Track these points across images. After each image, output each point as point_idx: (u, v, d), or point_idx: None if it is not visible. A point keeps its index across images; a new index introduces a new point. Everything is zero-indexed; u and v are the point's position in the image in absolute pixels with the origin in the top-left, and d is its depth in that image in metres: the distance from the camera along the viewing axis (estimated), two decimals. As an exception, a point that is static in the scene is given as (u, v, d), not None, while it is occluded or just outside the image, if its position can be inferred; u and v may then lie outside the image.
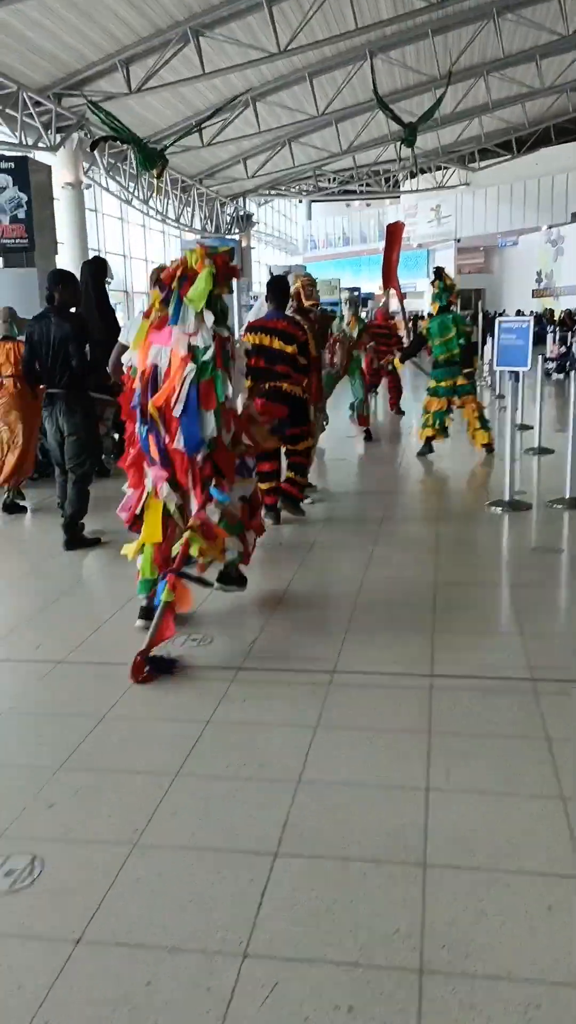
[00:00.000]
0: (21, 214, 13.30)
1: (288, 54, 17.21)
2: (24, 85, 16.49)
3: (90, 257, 9.86)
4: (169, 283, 3.78)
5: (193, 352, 3.69)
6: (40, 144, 17.40)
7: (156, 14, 15.69)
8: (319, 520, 6.30)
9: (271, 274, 10.42)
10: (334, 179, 32.35)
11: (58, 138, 17.65)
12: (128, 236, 25.60)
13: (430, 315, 8.28)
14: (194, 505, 3.89)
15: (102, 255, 23.16)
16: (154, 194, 17.81)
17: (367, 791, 2.68)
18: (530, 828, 2.46)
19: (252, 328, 5.95)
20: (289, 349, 5.79)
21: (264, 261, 34.65)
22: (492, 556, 5.52)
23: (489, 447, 8.55)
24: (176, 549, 3.76)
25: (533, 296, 35.17)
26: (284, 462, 6.23)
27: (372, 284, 27.73)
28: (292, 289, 6.41)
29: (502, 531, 5.96)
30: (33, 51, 15.68)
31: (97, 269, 8.10)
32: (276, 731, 3.11)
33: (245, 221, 32.11)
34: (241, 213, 31.78)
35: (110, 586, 5.05)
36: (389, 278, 12.73)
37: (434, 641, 3.90)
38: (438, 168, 34.17)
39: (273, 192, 32.59)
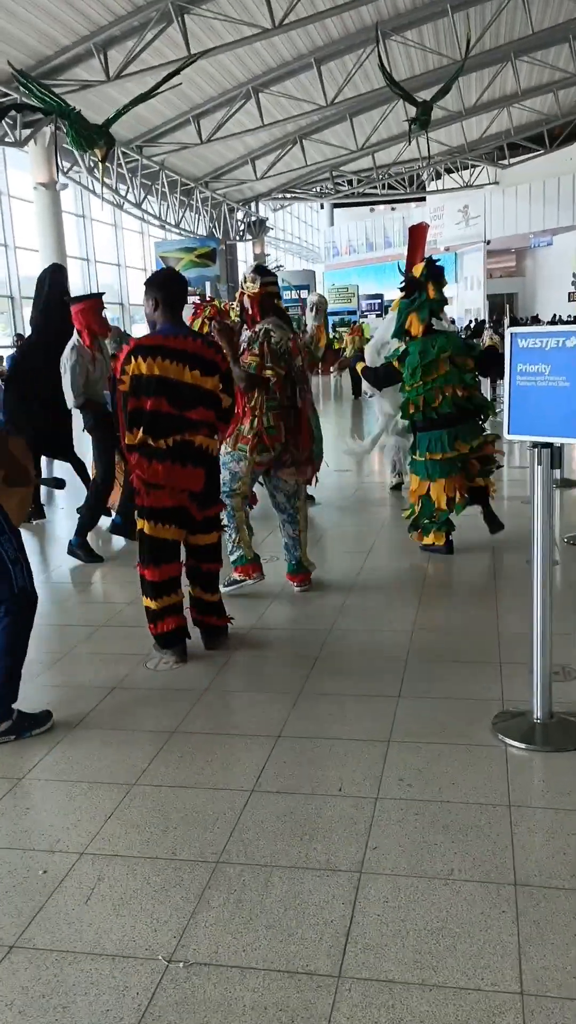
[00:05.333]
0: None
1: (286, 28, 15.18)
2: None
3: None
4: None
5: None
6: (7, 140, 15.53)
7: (132, -12, 13.80)
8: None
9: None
10: (353, 180, 30.13)
11: (26, 133, 15.76)
12: (123, 243, 23.76)
13: (411, 338, 5.12)
14: None
15: (92, 264, 21.40)
16: (101, 179, 15.87)
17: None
18: None
19: (143, 350, 3.47)
20: (209, 384, 3.54)
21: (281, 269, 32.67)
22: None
23: (480, 497, 5.28)
24: None
25: (570, 300, 32.84)
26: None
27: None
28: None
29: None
30: (-6, 35, 13.84)
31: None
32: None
33: (258, 227, 30.10)
34: (253, 219, 29.77)
35: None
36: None
37: None
38: (465, 167, 31.86)
39: (288, 196, 30.50)
